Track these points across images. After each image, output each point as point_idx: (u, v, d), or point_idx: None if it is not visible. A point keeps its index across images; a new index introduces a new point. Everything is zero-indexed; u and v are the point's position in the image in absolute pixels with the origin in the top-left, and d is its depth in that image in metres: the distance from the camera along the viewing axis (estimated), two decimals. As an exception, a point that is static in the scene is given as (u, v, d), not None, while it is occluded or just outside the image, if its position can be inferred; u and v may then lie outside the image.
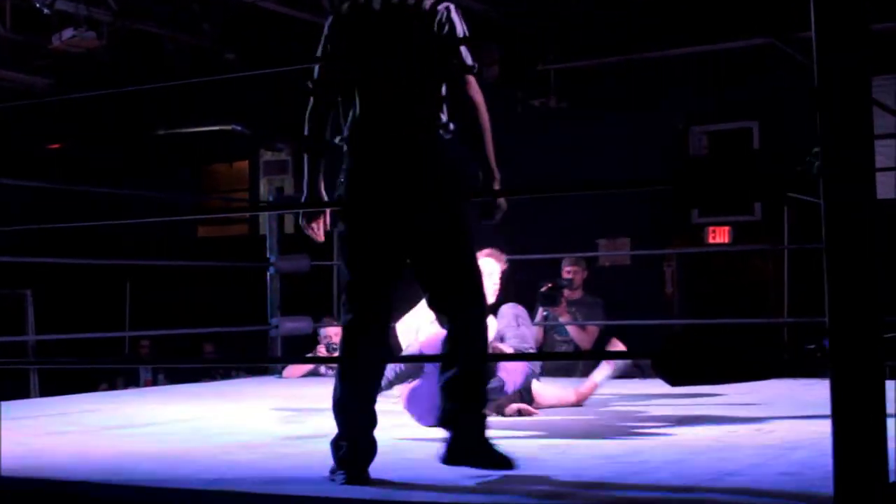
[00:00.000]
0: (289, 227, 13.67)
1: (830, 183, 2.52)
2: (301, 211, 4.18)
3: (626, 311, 9.46)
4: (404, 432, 5.09)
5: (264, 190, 14.19)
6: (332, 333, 9.12)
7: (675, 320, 10.90)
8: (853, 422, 2.51)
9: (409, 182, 3.92)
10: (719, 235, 11.97)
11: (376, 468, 3.91)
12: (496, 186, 3.99)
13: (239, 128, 13.67)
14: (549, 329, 8.55)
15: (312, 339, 9.28)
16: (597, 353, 5.91)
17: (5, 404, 4.62)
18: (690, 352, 2.96)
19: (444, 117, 4.00)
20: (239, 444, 4.97)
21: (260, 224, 13.99)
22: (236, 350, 12.78)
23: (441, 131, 3.98)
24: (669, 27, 11.11)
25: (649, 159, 11.03)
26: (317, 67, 4.10)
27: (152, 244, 14.00)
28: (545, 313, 8.22)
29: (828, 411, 5.19)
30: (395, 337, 5.60)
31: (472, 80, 3.99)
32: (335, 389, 3.98)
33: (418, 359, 5.65)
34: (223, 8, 11.95)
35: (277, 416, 6.19)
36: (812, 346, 2.66)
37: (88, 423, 5.92)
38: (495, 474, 3.80)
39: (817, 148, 2.59)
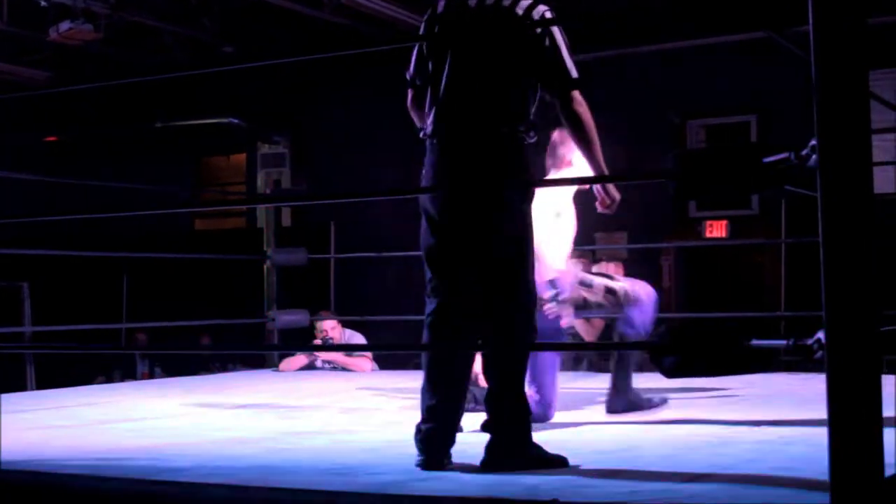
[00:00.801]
0: (286, 220, 13.70)
1: (827, 176, 2.52)
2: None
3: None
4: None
5: (262, 183, 14.18)
6: (328, 328, 9.11)
7: (673, 314, 10.88)
8: (849, 416, 2.51)
9: (475, 177, 4.00)
10: (716, 229, 11.97)
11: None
12: (614, 192, 4.36)
13: (236, 121, 13.66)
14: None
15: (309, 333, 9.28)
16: (599, 345, 5.90)
17: (2, 397, 4.61)
18: (686, 344, 2.96)
19: (524, 125, 4.03)
20: (236, 438, 4.97)
21: (257, 217, 14.00)
22: (233, 342, 12.77)
23: (521, 136, 4.02)
24: (666, 20, 11.11)
25: (646, 153, 11.02)
26: (413, 62, 4.19)
27: (149, 237, 14.00)
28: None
29: (824, 406, 5.19)
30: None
31: (576, 94, 4.09)
32: (424, 377, 4.08)
33: (475, 347, 5.70)
34: (221, 1, 11.95)
35: (275, 411, 6.19)
36: (809, 340, 2.66)
37: (85, 417, 5.91)
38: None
39: (814, 141, 2.58)
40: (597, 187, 4.37)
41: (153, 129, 14.38)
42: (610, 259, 5.66)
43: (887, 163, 6.13)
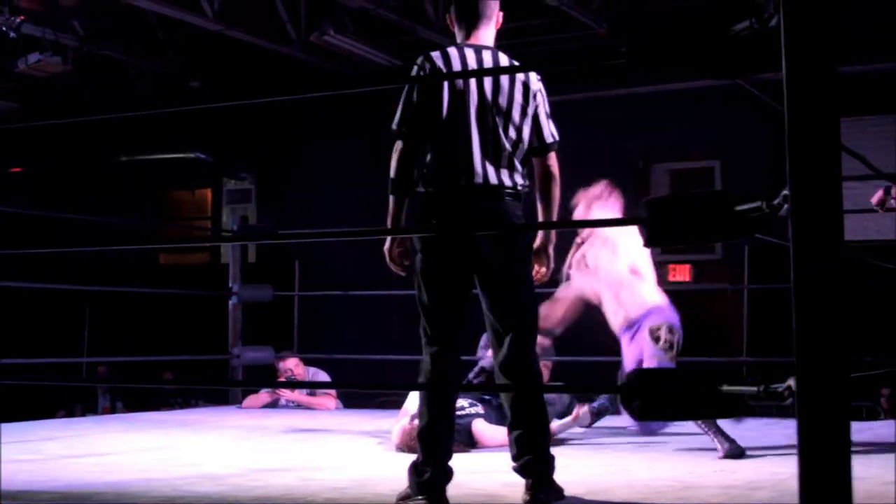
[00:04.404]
0: (251, 257, 13.67)
1: (798, 225, 2.55)
2: (385, 248, 4.35)
3: (587, 346, 9.47)
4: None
5: (227, 218, 14.16)
6: (292, 366, 9.09)
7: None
8: (820, 463, 2.53)
9: (475, 225, 4.15)
10: (680, 273, 12.03)
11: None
12: (550, 250, 4.39)
13: (203, 156, 13.65)
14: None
15: (272, 370, 9.26)
16: (566, 388, 5.94)
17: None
18: (656, 388, 2.98)
19: (520, 175, 4.24)
20: (204, 474, 4.95)
21: (221, 253, 13.95)
22: (196, 379, 12.71)
23: (517, 186, 4.22)
24: (633, 65, 11.19)
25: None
26: (399, 114, 4.25)
27: (113, 270, 13.93)
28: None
29: (789, 452, 5.22)
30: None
31: (553, 154, 4.34)
32: (420, 417, 4.19)
33: (486, 387, 6.23)
34: (188, 36, 11.96)
35: (240, 447, 6.17)
36: (780, 387, 2.68)
37: (48, 451, 5.88)
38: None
39: (786, 190, 2.62)
40: (549, 258, 4.43)
41: (118, 163, 14.33)
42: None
43: (856, 211, 6.20)
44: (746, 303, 11.28)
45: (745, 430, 6.27)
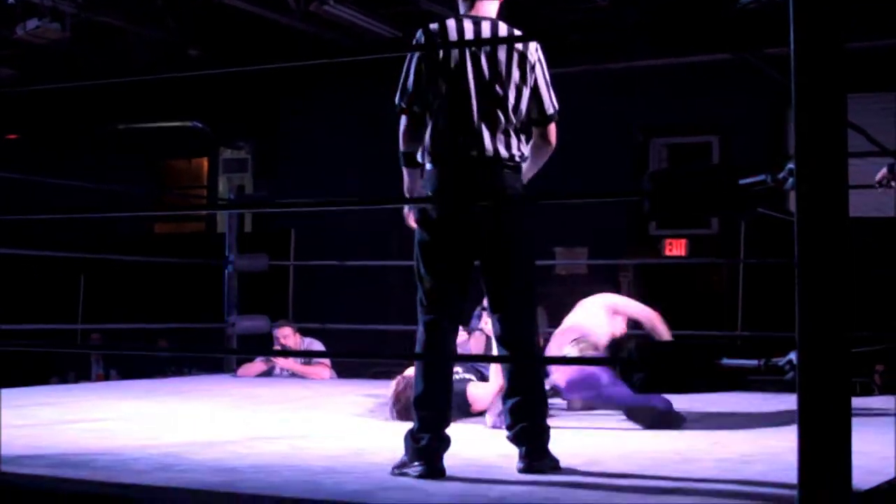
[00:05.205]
0: (247, 226, 13.66)
1: (804, 199, 2.54)
2: (404, 213, 4.45)
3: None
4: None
5: (223, 187, 14.14)
6: (281, 336, 9.08)
7: (631, 330, 10.90)
8: (820, 436, 2.53)
9: (478, 198, 4.18)
10: (676, 248, 12.04)
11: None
12: None
13: (200, 125, 13.61)
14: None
15: (269, 339, 9.25)
16: (558, 359, 5.92)
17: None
18: (657, 361, 2.98)
19: (518, 146, 4.25)
20: (198, 442, 4.95)
21: (217, 222, 13.95)
22: (194, 346, 12.70)
23: (515, 158, 4.23)
24: (632, 39, 11.17)
25: (609, 170, 11.10)
26: (401, 88, 4.25)
27: (109, 238, 13.92)
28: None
29: (782, 426, 5.24)
30: None
31: (553, 126, 4.35)
32: (416, 386, 4.18)
33: (486, 359, 6.14)
34: (188, 3, 11.91)
35: (235, 415, 6.17)
36: (781, 361, 2.68)
37: (44, 417, 5.87)
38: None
39: (791, 164, 2.61)
40: None
41: (115, 131, 14.29)
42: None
43: (866, 186, 6.19)
44: (742, 278, 11.29)
45: (739, 405, 6.29)
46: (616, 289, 11.84)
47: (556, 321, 8.90)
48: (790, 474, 3.60)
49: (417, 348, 4.28)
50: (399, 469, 4.04)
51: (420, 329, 4.22)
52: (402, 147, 4.28)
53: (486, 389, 6.00)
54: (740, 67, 10.90)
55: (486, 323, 6.89)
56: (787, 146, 11.35)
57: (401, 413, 5.77)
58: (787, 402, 6.66)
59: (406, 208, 4.41)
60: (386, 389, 6.17)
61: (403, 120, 4.26)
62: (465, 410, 5.93)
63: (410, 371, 6.02)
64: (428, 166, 4.23)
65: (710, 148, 11.86)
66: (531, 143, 4.35)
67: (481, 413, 5.88)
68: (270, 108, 13.82)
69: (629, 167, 11.80)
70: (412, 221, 4.38)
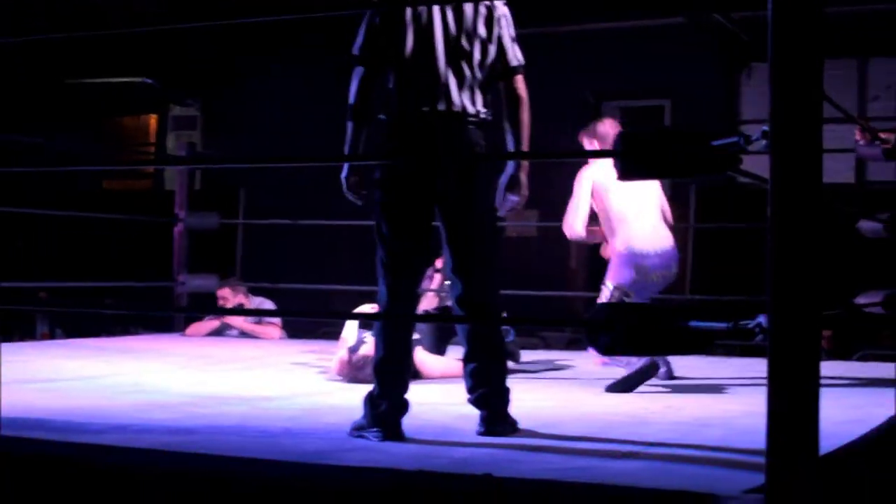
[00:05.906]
0: (197, 184, 13.54)
1: (779, 162, 2.54)
2: (342, 176, 4.27)
3: (531, 282, 9.49)
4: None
5: (172, 145, 13.98)
6: (222, 297, 9.02)
7: (580, 293, 10.95)
8: (789, 398, 2.54)
9: (438, 155, 4.16)
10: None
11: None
12: (523, 176, 4.23)
13: (148, 80, 13.46)
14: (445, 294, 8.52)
15: (216, 298, 9.19)
16: (520, 319, 5.90)
17: None
18: (623, 323, 2.97)
19: (483, 102, 4.21)
20: (154, 402, 4.90)
21: (165, 179, 13.81)
22: (145, 304, 12.61)
23: (480, 114, 4.18)
24: (585, 1, 11.17)
25: (559, 131, 11.07)
26: (361, 39, 4.20)
27: (56, 194, 13.74)
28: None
29: (737, 390, 5.26)
30: None
31: (520, 77, 4.27)
32: (376, 349, 4.14)
33: (447, 319, 6.09)
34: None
35: (187, 375, 6.13)
36: (750, 324, 2.68)
37: (-9, 376, 5.79)
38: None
39: (765, 126, 2.61)
40: (524, 190, 4.30)
41: (62, 85, 14.10)
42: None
43: (838, 150, 6.23)
44: (692, 242, 11.33)
45: (689, 368, 6.32)
46: (566, 252, 11.91)
47: (504, 285, 8.90)
48: (746, 438, 3.63)
49: (379, 310, 4.25)
50: (357, 431, 4.01)
51: (382, 291, 4.17)
52: (351, 99, 4.21)
53: (436, 361, 6.01)
54: (693, 32, 10.92)
55: (436, 284, 6.89)
56: (739, 110, 11.42)
57: (350, 378, 5.76)
58: (738, 365, 6.74)
59: (343, 172, 4.27)
60: (335, 349, 6.14)
61: (359, 71, 4.19)
62: (414, 373, 5.92)
63: (347, 332, 6.00)
64: (382, 117, 4.18)
65: (662, 112, 11.89)
66: (503, 101, 4.28)
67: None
68: (221, 65, 13.66)
69: (580, 128, 11.78)
70: (349, 191, 4.27)
